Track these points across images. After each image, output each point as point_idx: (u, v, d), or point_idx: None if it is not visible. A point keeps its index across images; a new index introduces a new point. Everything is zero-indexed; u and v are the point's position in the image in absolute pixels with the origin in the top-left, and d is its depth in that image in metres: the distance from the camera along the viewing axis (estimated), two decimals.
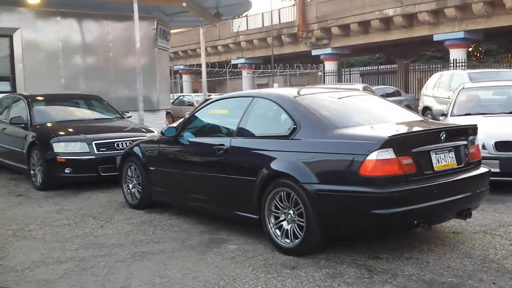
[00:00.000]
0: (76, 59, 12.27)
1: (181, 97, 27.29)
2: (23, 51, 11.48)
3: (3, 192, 7.52)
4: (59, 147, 7.39)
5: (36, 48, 11.64)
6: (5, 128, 8.64)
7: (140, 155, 6.10)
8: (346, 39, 29.66)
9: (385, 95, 19.77)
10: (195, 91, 35.76)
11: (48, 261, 4.35)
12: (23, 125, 8.13)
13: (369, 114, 4.86)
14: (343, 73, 33.07)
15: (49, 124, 8.14)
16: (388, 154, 3.86)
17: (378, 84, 28.03)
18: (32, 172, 7.71)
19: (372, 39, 28.27)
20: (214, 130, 5.52)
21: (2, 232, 5.30)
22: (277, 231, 4.40)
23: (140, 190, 6.09)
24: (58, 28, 11.94)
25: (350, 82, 29.21)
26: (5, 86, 11.31)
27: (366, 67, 36.59)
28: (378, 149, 3.84)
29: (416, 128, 4.62)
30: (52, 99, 9.32)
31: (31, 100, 8.61)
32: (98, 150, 7.41)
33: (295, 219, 4.25)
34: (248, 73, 36.79)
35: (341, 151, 4.09)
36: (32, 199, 6.98)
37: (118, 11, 12.06)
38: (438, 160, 4.16)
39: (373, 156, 3.83)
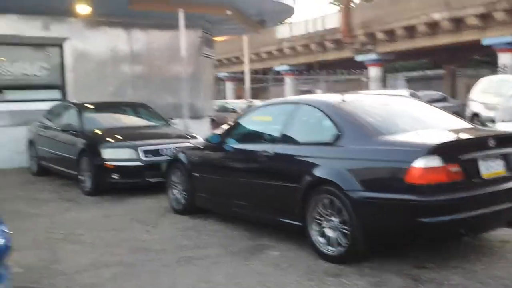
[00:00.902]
0: (124, 67, 12.61)
1: (224, 104, 27.53)
2: (73, 60, 11.88)
3: (54, 197, 7.80)
4: (107, 153, 7.60)
5: (86, 57, 12.03)
6: (57, 135, 8.95)
7: (185, 161, 6.20)
8: (391, 44, 29.20)
9: (432, 101, 19.32)
10: (238, 97, 35.97)
11: (96, 265, 4.48)
12: (73, 132, 8.40)
13: (415, 121, 4.78)
14: (388, 78, 32.55)
15: (98, 131, 8.38)
16: (435, 161, 3.78)
17: (424, 90, 27.41)
18: (81, 178, 7.95)
19: (418, 44, 27.70)
20: (257, 136, 5.55)
21: (53, 236, 5.49)
22: (321, 238, 4.37)
23: (185, 196, 6.19)
24: (107, 38, 12.31)
25: (395, 87, 28.71)
26: (56, 94, 11.73)
27: (412, 73, 35.89)
28: (424, 156, 3.77)
29: (463, 135, 4.51)
30: (101, 107, 9.62)
31: (81, 108, 8.90)
32: (144, 156, 7.58)
33: (339, 226, 4.22)
34: (291, 80, 36.77)
35: (386, 158, 4.04)
36: (81, 204, 7.20)
37: (164, 20, 12.32)
38: (486, 168, 4.04)
39: (419, 163, 3.77)
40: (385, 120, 4.64)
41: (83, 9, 10.87)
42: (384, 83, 31.54)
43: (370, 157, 4.15)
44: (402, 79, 33.73)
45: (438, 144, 3.86)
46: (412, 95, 14.64)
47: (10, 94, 11.33)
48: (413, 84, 31.70)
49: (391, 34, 28.49)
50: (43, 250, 4.97)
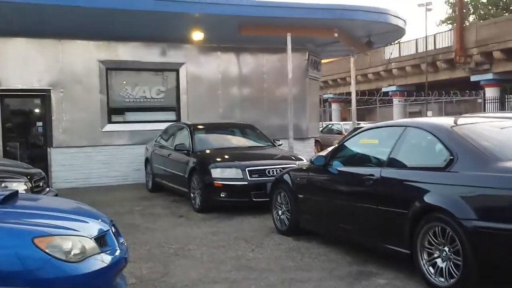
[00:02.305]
0: (233, 90, 13.08)
1: (330, 126, 27.39)
2: (187, 83, 12.55)
3: (167, 212, 8.23)
4: (216, 172, 7.89)
5: (199, 81, 12.66)
6: (170, 154, 9.47)
7: (290, 182, 6.25)
8: (509, 63, 27.33)
9: None
10: (343, 119, 35.64)
11: (204, 280, 4.64)
12: (185, 151, 8.83)
13: None
14: (507, 99, 30.40)
15: (208, 151, 8.73)
16: None
17: None
18: (192, 195, 8.31)
19: None
20: (363, 159, 5.45)
21: (165, 250, 5.78)
22: (431, 268, 4.16)
23: (289, 216, 6.22)
24: (218, 62, 12.88)
25: None
26: (172, 115, 12.46)
27: None
28: None
29: None
30: (211, 128, 10.03)
31: (193, 129, 9.35)
32: (250, 176, 7.76)
33: (451, 256, 3.99)
34: (399, 101, 35.71)
35: (504, 186, 3.77)
36: (191, 220, 7.52)
37: (272, 44, 12.63)
38: None
39: None
40: (503, 145, 4.35)
41: (197, 36, 11.49)
42: (502, 105, 29.48)
43: (486, 184, 3.90)
44: None
45: None
46: None
47: (130, 116, 12.21)
48: None
49: (509, 53, 26.68)
50: (156, 263, 5.25)
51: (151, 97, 12.38)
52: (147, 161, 10.89)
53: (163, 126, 10.99)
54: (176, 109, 12.55)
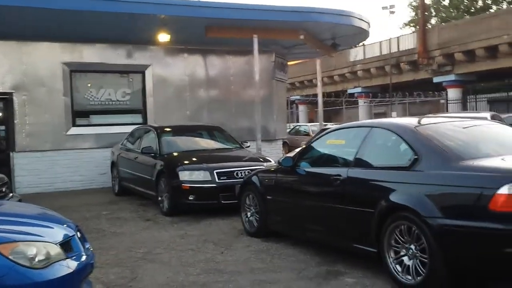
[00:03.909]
0: (200, 92, 13.02)
1: (297, 127, 27.60)
2: (154, 85, 12.42)
3: (134, 216, 8.12)
4: (184, 175, 7.83)
5: (165, 83, 12.55)
6: (137, 157, 9.35)
7: (258, 184, 6.26)
8: (470, 65, 28.10)
9: None
10: (310, 120, 35.96)
11: (172, 284, 4.59)
12: (152, 154, 8.73)
13: (499, 145, 4.56)
14: (468, 100, 31.26)
15: (175, 154, 8.67)
16: None
17: (508, 112, 26.03)
18: (159, 198, 8.23)
19: (501, 64, 26.46)
20: (330, 160, 5.51)
21: (133, 254, 5.70)
22: (398, 266, 4.23)
23: (257, 218, 6.23)
24: (185, 64, 12.80)
25: (476, 110, 27.49)
26: (138, 118, 12.30)
27: (495, 94, 34.24)
28: (510, 183, 3.57)
29: None
30: (178, 130, 9.96)
31: (160, 131, 9.25)
32: (219, 178, 7.73)
33: (417, 254, 4.07)
34: (364, 102, 36.26)
35: (467, 184, 3.87)
36: (159, 224, 7.43)
37: (239, 47, 12.64)
38: None
39: (504, 190, 3.57)
40: (466, 144, 4.46)
41: (163, 38, 11.39)
42: (464, 105, 30.29)
43: (450, 182, 3.99)
44: (484, 101, 32.22)
45: None
46: (494, 117, 13.93)
47: (95, 119, 12.01)
48: (496, 106, 30.26)
49: (471, 55, 27.45)
50: (124, 267, 5.17)
51: (117, 99, 12.20)
52: (113, 164, 10.72)
53: (129, 129, 10.85)
54: (143, 112, 12.41)
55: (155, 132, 9.23)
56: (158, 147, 8.80)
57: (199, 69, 13.00)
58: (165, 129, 9.57)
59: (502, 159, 4.08)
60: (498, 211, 3.59)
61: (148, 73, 12.39)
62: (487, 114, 15.32)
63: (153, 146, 8.89)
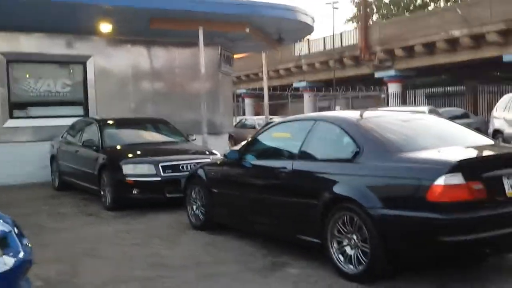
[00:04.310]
0: (144, 84, 12.77)
1: (243, 120, 27.66)
2: (96, 77, 12.07)
3: (75, 211, 7.89)
4: (127, 169, 7.67)
5: (108, 74, 12.22)
6: (77, 151, 9.08)
7: (204, 177, 6.22)
8: (410, 60, 29.09)
9: (453, 118, 19.11)
10: (257, 114, 36.09)
11: (116, 280, 4.50)
12: (94, 147, 8.50)
13: (436, 137, 4.74)
14: (407, 95, 32.35)
15: (118, 147, 8.48)
16: (457, 179, 3.73)
17: (445, 106, 27.14)
18: (102, 192, 8.03)
19: (438, 60, 27.55)
20: (276, 153, 5.56)
21: (74, 250, 5.54)
22: (340, 256, 4.33)
23: (203, 211, 6.20)
24: (128, 55, 12.50)
25: (415, 104, 28.51)
26: (79, 110, 11.91)
27: (432, 89, 35.61)
28: (446, 174, 3.72)
29: (486, 152, 4.45)
30: (121, 123, 9.74)
31: (102, 124, 9.02)
32: (164, 172, 7.63)
33: (359, 244, 4.18)
34: (309, 96, 36.80)
35: (406, 175, 4.01)
36: (102, 219, 7.26)
37: (184, 38, 12.48)
38: (511, 185, 3.97)
39: (440, 181, 3.72)
40: (405, 137, 4.61)
41: (105, 28, 11.08)
42: (403, 100, 31.33)
43: (390, 174, 4.12)
44: (422, 95, 33.46)
45: (460, 161, 3.81)
46: (432, 111, 14.51)
47: (34, 111, 11.55)
48: (434, 100, 31.44)
49: (410, 51, 28.40)
50: (64, 264, 5.01)
51: (57, 91, 11.78)
52: (53, 158, 10.36)
53: (69, 121, 10.48)
54: (84, 104, 12.03)
55: (97, 125, 8.98)
56: (100, 140, 8.58)
57: (143, 60, 12.75)
58: (108, 121, 9.34)
59: (439, 151, 4.24)
60: (435, 201, 3.73)
61: (90, 64, 12.02)
62: (425, 108, 15.95)
63: (95, 139, 8.65)
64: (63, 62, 11.89)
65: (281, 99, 35.82)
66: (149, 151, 8.23)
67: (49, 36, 11.44)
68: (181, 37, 12.45)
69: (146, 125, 10.04)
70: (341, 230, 4.32)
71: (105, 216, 7.46)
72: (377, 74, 31.24)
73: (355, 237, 4.21)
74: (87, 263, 5.04)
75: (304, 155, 4.93)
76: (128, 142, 8.72)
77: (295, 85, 36.69)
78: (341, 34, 33.60)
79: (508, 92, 18.97)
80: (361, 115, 5.12)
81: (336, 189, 4.36)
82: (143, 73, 12.72)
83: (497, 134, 14.10)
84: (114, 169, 7.77)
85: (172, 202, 7.49)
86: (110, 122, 9.41)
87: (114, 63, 12.29)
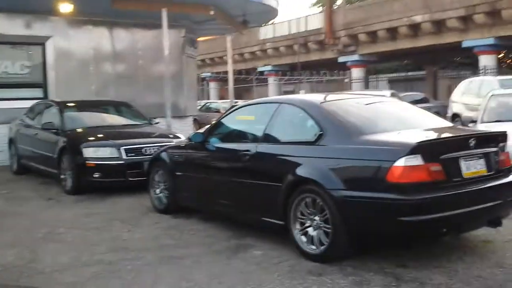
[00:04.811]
0: (106, 66, 12.49)
1: (208, 104, 27.54)
2: (56, 58, 11.73)
3: (34, 195, 7.70)
4: (88, 152, 7.53)
5: (68, 56, 11.89)
6: (37, 134, 8.84)
7: (167, 160, 6.17)
8: (373, 45, 29.46)
9: (413, 102, 19.49)
10: (221, 98, 35.98)
11: (76, 264, 4.43)
12: (54, 130, 8.29)
13: (397, 120, 4.82)
14: (370, 80, 32.82)
15: (79, 130, 8.30)
16: (416, 160, 3.82)
17: (406, 91, 27.69)
18: (62, 176, 7.86)
19: (400, 45, 28.01)
20: (240, 136, 5.54)
21: (33, 235, 5.42)
22: (303, 237, 4.38)
23: (167, 195, 6.15)
24: (90, 36, 12.18)
25: (377, 88, 28.97)
26: (38, 93, 11.56)
27: (394, 74, 36.23)
28: (405, 156, 3.80)
29: (445, 135, 4.56)
30: (82, 106, 9.52)
31: (62, 106, 8.80)
32: (126, 155, 7.52)
33: (321, 225, 4.23)
34: (274, 80, 36.87)
35: (367, 157, 4.07)
36: (62, 203, 7.12)
37: (147, 20, 12.24)
38: (467, 167, 4.09)
39: (400, 162, 3.80)
40: (367, 119, 4.67)
41: (65, 8, 10.75)
42: (366, 84, 31.77)
43: (352, 156, 4.18)
44: (384, 80, 34.02)
45: (419, 143, 3.89)
46: (393, 95, 14.77)
47: None
48: (395, 85, 32.05)
49: (373, 36, 28.75)
50: (23, 248, 4.90)
51: (15, 72, 11.40)
52: (11, 141, 10.06)
53: (28, 104, 10.16)
54: (43, 86, 11.68)
55: (57, 107, 8.76)
56: (61, 122, 8.37)
57: (105, 42, 12.44)
58: (68, 104, 9.11)
59: (399, 134, 4.32)
60: (395, 182, 3.82)
61: (49, 45, 11.66)
62: (387, 92, 16.23)
63: (55, 121, 8.43)
64: (21, 43, 11.49)
65: (246, 83, 35.77)
66: (111, 134, 8.09)
67: (6, 16, 11.02)
68: (144, 19, 12.20)
69: (108, 108, 9.85)
70: (304, 212, 4.36)
71: (66, 200, 7.32)
72: (341, 59, 31.53)
73: (317, 218, 4.26)
74: (46, 248, 4.94)
75: (268, 138, 4.94)
76: (89, 125, 8.54)
77: (260, 69, 36.69)
78: (306, 18, 33.65)
79: (466, 78, 19.48)
80: (324, 98, 5.16)
81: (299, 171, 4.39)
82: (105, 55, 12.43)
83: (455, 117, 14.49)
84: (75, 153, 7.62)
85: (134, 186, 7.40)
86: (71, 104, 9.19)
87: (74, 45, 11.96)
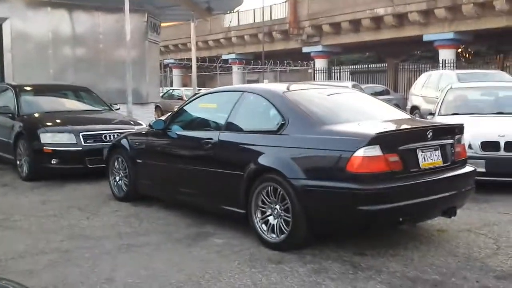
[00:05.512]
0: (66, 50, 12.17)
1: (170, 91, 27.20)
2: (13, 40, 11.36)
3: None
4: (46, 137, 7.34)
5: (26, 38, 11.53)
6: None
7: (128, 147, 6.07)
8: (337, 37, 29.73)
9: (374, 94, 19.85)
10: (184, 85, 35.61)
11: (32, 252, 4.32)
12: (10, 115, 8.06)
13: (357, 111, 4.88)
14: (333, 71, 33.16)
15: (36, 115, 8.08)
16: (375, 151, 3.88)
17: (367, 83, 28.13)
18: (18, 162, 7.65)
19: (363, 37, 28.37)
20: (202, 124, 5.51)
21: None
22: (264, 226, 4.40)
23: (127, 182, 6.07)
24: (48, 19, 11.84)
25: (339, 80, 29.30)
26: None
27: (356, 66, 36.69)
28: (365, 146, 3.86)
29: (403, 126, 4.65)
30: (40, 90, 9.26)
31: (19, 90, 8.53)
32: (85, 141, 7.37)
33: (282, 214, 4.26)
34: (238, 69, 36.74)
35: (328, 147, 4.11)
36: (17, 190, 6.93)
37: (109, 3, 11.97)
38: (424, 158, 4.20)
39: (360, 152, 3.86)
40: (328, 110, 4.72)
41: None
42: (329, 75, 32.08)
43: (313, 146, 4.21)
44: (347, 71, 34.43)
45: (378, 134, 3.96)
46: (355, 87, 14.98)
47: None
48: (357, 76, 32.48)
49: (337, 27, 29.00)
50: None
51: None
52: None
53: None
54: None
55: (13, 91, 8.49)
56: (17, 107, 8.13)
57: (65, 25, 12.12)
58: (25, 87, 8.84)
59: (359, 125, 4.38)
60: (354, 172, 3.88)
61: (6, 26, 11.28)
62: (349, 84, 16.44)
63: (11, 105, 8.19)
64: None
65: (210, 71, 35.51)
66: (70, 119, 7.90)
67: None
68: (106, 2, 11.92)
69: (67, 92, 9.60)
70: (265, 201, 4.38)
71: (22, 186, 7.12)
72: (305, 49, 31.70)
73: (278, 207, 4.29)
74: (1, 235, 4.80)
75: (230, 127, 4.92)
76: (47, 110, 8.32)
77: (224, 57, 36.47)
78: (270, 7, 33.60)
79: (426, 71, 19.93)
80: (287, 88, 5.17)
81: (261, 160, 4.40)
82: (65, 38, 12.11)
83: (414, 110, 14.82)
84: (31, 138, 7.41)
85: (93, 173, 7.27)
86: (28, 88, 8.92)
87: (32, 27, 11.61)
